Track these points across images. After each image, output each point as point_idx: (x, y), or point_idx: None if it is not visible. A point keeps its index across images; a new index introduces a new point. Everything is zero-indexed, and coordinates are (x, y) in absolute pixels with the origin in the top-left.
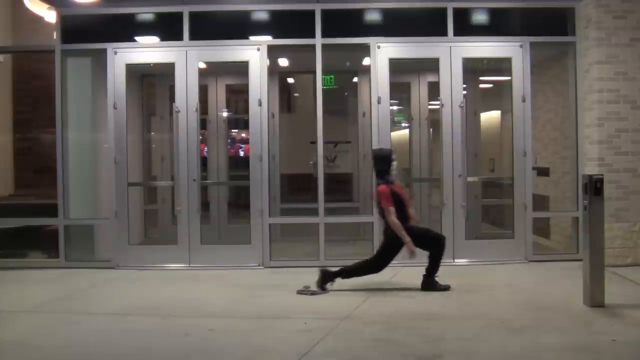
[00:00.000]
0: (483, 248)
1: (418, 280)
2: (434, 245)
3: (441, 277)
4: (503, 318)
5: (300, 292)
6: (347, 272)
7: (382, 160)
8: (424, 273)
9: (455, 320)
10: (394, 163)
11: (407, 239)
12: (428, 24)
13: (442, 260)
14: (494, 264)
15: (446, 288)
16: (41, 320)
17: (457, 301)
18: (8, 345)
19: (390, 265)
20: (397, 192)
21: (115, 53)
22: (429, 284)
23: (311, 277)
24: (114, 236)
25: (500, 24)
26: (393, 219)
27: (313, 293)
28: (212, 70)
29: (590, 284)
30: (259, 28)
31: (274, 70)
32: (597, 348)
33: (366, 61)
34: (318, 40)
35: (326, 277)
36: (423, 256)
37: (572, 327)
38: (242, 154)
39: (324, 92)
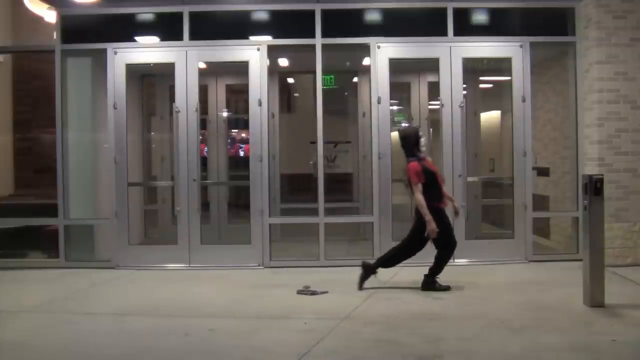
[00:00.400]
0: (483, 248)
1: (418, 280)
2: (444, 246)
3: (441, 277)
4: (503, 318)
5: (300, 292)
6: (384, 262)
7: (410, 138)
8: (426, 273)
9: (455, 320)
10: (422, 139)
11: (428, 217)
12: (428, 24)
13: (446, 264)
14: (494, 264)
15: (446, 288)
16: (41, 320)
17: (457, 301)
18: (8, 345)
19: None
20: (429, 168)
21: (115, 53)
22: (429, 283)
23: (311, 277)
24: (114, 236)
25: (500, 24)
26: (418, 195)
27: (313, 293)
28: (212, 70)
29: (590, 284)
30: (259, 28)
31: (274, 70)
32: (597, 348)
33: (366, 61)
34: (318, 40)
35: (369, 271)
36: (424, 256)
37: (572, 327)
38: (242, 154)
39: (324, 92)
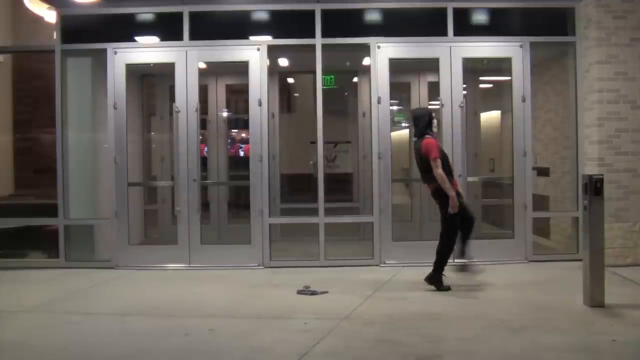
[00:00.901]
0: (483, 248)
1: (418, 281)
2: (445, 238)
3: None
4: (503, 318)
5: (300, 292)
6: (437, 266)
7: (423, 118)
8: (433, 268)
9: (455, 320)
10: (434, 121)
11: (452, 192)
12: (428, 24)
13: (449, 257)
14: (494, 264)
15: (447, 289)
16: (41, 321)
17: (457, 301)
18: (8, 345)
19: (391, 265)
20: (442, 149)
21: (115, 53)
22: (433, 278)
23: (311, 277)
24: (114, 236)
25: (500, 24)
26: (439, 171)
27: (313, 293)
28: (212, 70)
29: (590, 284)
30: (259, 28)
31: (274, 70)
32: (597, 348)
33: (366, 61)
34: (318, 40)
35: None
36: (423, 256)
37: (572, 327)
38: (242, 154)
39: (324, 92)
